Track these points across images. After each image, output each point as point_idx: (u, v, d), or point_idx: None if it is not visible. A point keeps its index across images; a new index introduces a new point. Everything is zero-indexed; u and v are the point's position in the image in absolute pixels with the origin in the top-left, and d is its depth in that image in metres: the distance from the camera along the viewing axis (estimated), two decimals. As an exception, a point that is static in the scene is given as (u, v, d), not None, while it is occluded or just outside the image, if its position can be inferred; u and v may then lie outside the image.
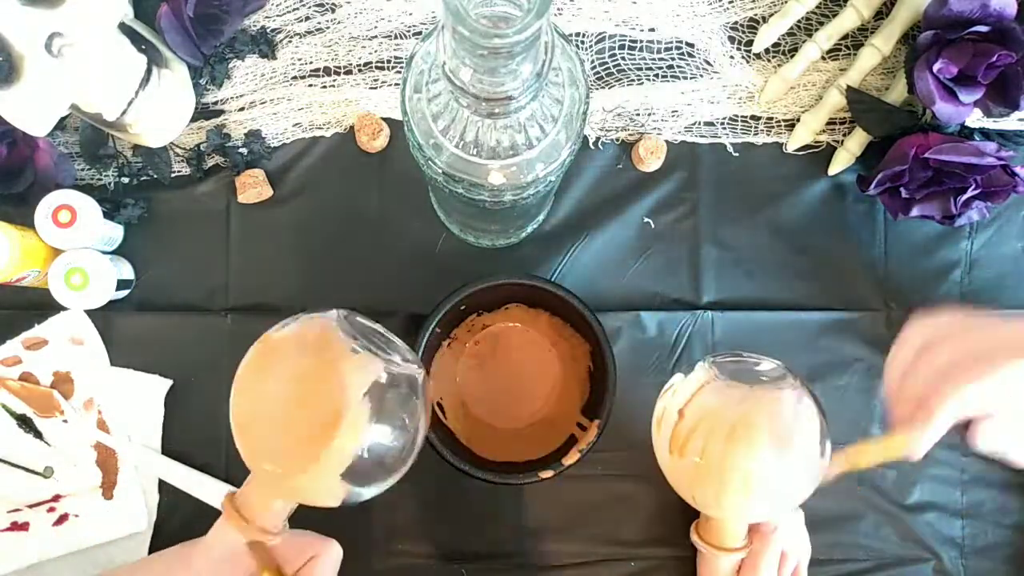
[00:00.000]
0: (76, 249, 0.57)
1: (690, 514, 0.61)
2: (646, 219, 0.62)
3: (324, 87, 0.62)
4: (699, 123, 0.63)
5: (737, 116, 0.63)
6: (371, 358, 0.41)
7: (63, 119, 0.61)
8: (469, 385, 0.61)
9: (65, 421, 0.59)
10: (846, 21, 0.60)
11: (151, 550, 0.59)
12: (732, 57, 0.62)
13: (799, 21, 0.62)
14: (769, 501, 0.46)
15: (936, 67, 0.54)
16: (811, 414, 0.46)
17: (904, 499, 0.62)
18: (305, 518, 0.46)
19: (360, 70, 0.62)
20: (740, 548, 0.51)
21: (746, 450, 0.44)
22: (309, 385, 0.40)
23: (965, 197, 0.56)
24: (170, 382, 0.60)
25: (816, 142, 0.62)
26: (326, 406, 0.39)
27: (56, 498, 0.59)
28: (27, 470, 0.59)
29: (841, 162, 0.61)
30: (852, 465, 0.47)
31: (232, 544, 0.44)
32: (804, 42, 0.61)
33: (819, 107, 0.61)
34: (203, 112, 0.61)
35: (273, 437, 0.40)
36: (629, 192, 0.62)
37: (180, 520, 0.60)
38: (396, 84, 0.62)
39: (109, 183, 0.61)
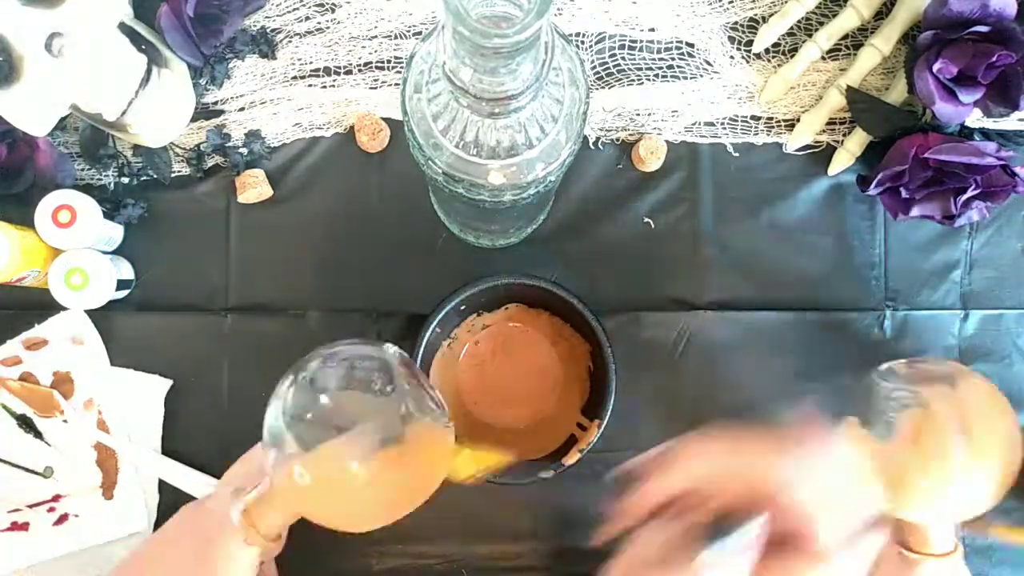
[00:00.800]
0: (76, 249, 0.57)
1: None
2: (646, 219, 0.62)
3: (324, 87, 0.62)
4: (699, 123, 0.63)
5: (737, 116, 0.63)
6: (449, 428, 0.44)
7: (63, 119, 0.61)
8: (469, 385, 0.61)
9: (65, 421, 0.59)
10: (846, 21, 0.60)
11: (151, 550, 0.59)
12: (732, 57, 0.62)
13: (799, 21, 0.62)
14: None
15: (936, 67, 0.54)
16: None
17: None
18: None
19: (360, 70, 0.62)
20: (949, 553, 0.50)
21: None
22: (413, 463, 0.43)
23: (965, 197, 0.56)
24: (170, 382, 0.60)
25: (816, 142, 0.62)
26: (427, 483, 0.44)
27: (56, 498, 0.59)
28: (27, 470, 0.59)
29: (841, 162, 0.61)
30: None
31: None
32: (804, 42, 0.61)
33: (819, 107, 0.61)
34: (203, 112, 0.61)
35: (379, 505, 0.43)
36: (629, 192, 0.62)
37: (180, 520, 0.60)
38: (396, 84, 0.62)
39: (109, 183, 0.61)
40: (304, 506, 0.42)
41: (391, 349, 0.44)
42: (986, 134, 0.59)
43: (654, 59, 0.62)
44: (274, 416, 0.41)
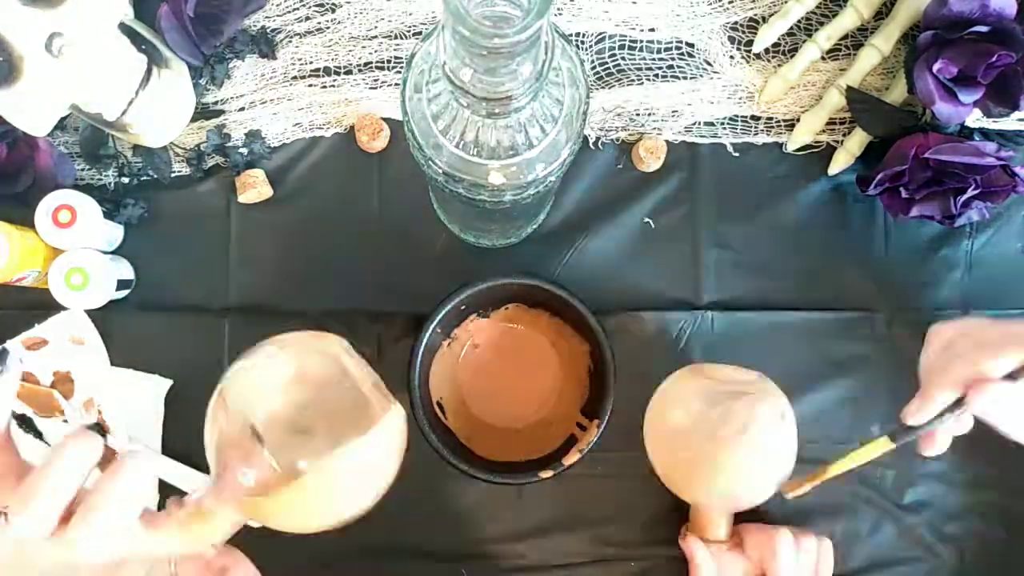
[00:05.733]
0: (76, 249, 0.57)
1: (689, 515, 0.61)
2: (646, 219, 0.62)
3: (324, 87, 0.62)
4: (699, 123, 0.63)
5: (737, 116, 0.63)
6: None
7: (63, 119, 0.61)
8: (469, 385, 0.61)
9: (65, 421, 0.59)
10: (846, 21, 0.60)
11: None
12: (732, 57, 0.62)
13: (799, 21, 0.62)
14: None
15: (936, 67, 0.54)
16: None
17: (903, 498, 0.62)
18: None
19: (360, 70, 0.62)
20: (723, 540, 0.56)
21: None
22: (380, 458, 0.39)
23: (965, 197, 0.56)
24: (170, 382, 0.60)
25: (816, 142, 0.62)
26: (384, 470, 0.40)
27: (56, 498, 0.59)
28: (27, 470, 0.59)
29: (841, 162, 0.61)
30: (836, 470, 0.52)
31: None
32: (804, 42, 0.61)
33: (819, 107, 0.61)
34: (203, 112, 0.61)
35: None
36: (629, 192, 0.62)
37: (180, 520, 0.60)
38: (396, 84, 0.62)
39: (109, 183, 0.61)
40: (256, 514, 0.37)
41: (341, 343, 0.41)
42: (986, 134, 0.59)
43: (654, 59, 0.62)
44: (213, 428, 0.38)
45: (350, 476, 0.38)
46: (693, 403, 0.52)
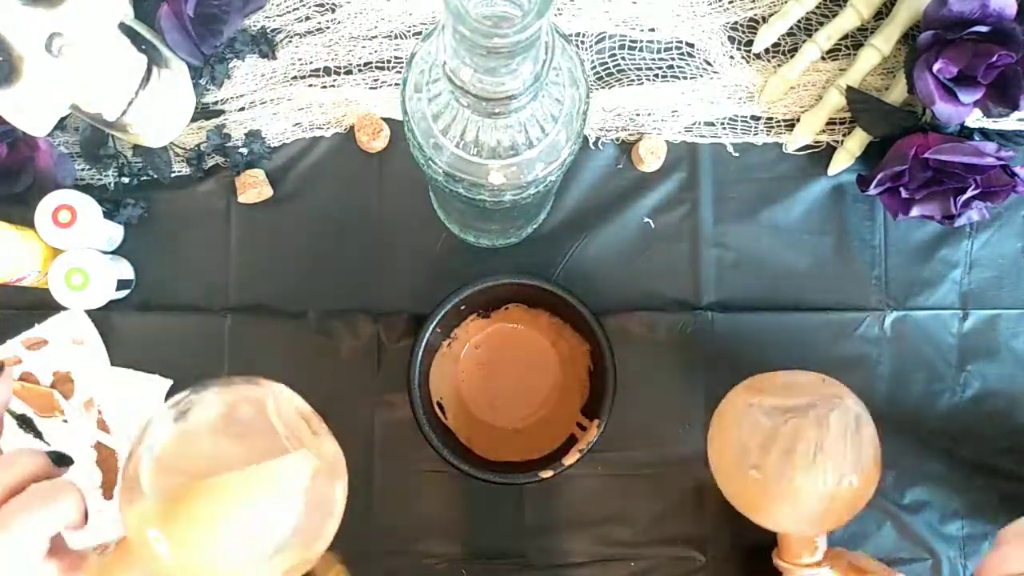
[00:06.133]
0: (76, 249, 0.57)
1: (691, 515, 0.61)
2: (646, 219, 0.62)
3: (324, 87, 0.62)
4: (699, 123, 0.63)
5: (737, 116, 0.63)
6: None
7: (63, 119, 0.61)
8: (469, 385, 0.61)
9: (65, 421, 0.59)
10: (846, 21, 0.60)
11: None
12: (732, 57, 0.62)
13: (799, 21, 0.62)
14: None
15: (936, 67, 0.54)
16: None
17: (903, 498, 0.62)
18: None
19: (360, 70, 0.62)
20: (819, 562, 0.52)
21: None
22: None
23: (965, 197, 0.56)
24: (170, 382, 0.60)
25: (816, 142, 0.62)
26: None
27: (56, 498, 0.59)
28: (27, 470, 0.59)
29: (841, 162, 0.61)
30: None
31: None
32: (804, 42, 0.61)
33: (819, 107, 0.61)
34: (203, 112, 0.61)
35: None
36: (629, 192, 0.62)
37: (180, 520, 0.60)
38: (396, 84, 0.62)
39: (109, 183, 0.61)
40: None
41: (279, 391, 0.38)
42: (986, 134, 0.59)
43: (654, 59, 0.62)
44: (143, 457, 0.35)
45: (234, 515, 0.34)
46: (757, 423, 0.49)
